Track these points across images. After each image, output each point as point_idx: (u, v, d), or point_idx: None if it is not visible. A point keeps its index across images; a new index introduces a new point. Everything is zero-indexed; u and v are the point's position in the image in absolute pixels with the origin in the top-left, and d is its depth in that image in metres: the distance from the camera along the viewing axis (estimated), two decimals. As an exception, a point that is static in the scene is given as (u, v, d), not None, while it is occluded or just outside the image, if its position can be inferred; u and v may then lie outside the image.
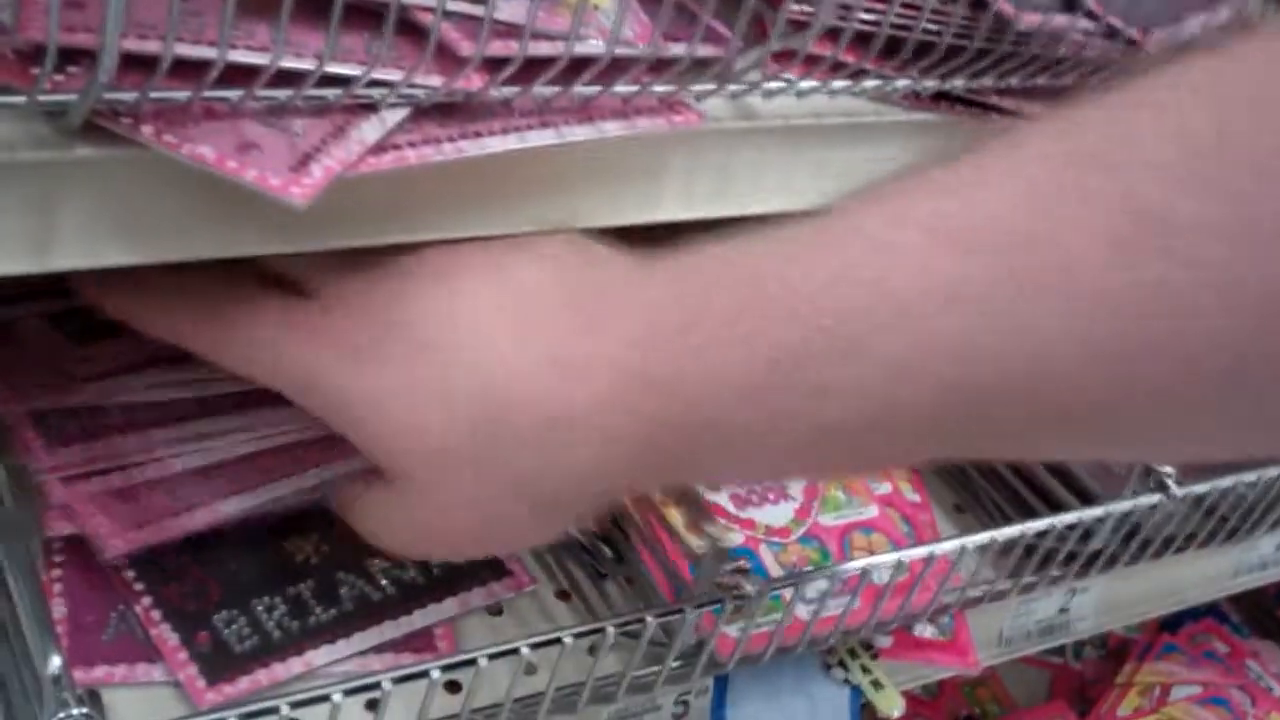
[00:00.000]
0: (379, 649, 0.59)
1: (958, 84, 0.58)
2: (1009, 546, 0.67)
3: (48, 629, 0.45)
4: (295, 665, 0.57)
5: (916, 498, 0.78)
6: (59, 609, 0.55)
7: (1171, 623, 1.32)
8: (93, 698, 0.46)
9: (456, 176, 0.49)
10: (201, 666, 0.56)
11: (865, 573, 0.60)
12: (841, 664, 0.71)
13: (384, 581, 0.61)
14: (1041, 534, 0.67)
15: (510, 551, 0.56)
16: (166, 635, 0.56)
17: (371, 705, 0.55)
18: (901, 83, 0.57)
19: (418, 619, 0.60)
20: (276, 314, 0.50)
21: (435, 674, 0.49)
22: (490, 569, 0.63)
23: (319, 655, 0.57)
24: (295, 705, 0.47)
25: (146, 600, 0.57)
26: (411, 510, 0.50)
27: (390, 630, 0.60)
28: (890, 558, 0.60)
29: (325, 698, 0.47)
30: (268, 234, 0.47)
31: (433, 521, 0.50)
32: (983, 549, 0.65)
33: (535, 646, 0.51)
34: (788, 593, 0.60)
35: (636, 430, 0.46)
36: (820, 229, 0.47)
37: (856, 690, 0.70)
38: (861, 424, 0.45)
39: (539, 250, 0.52)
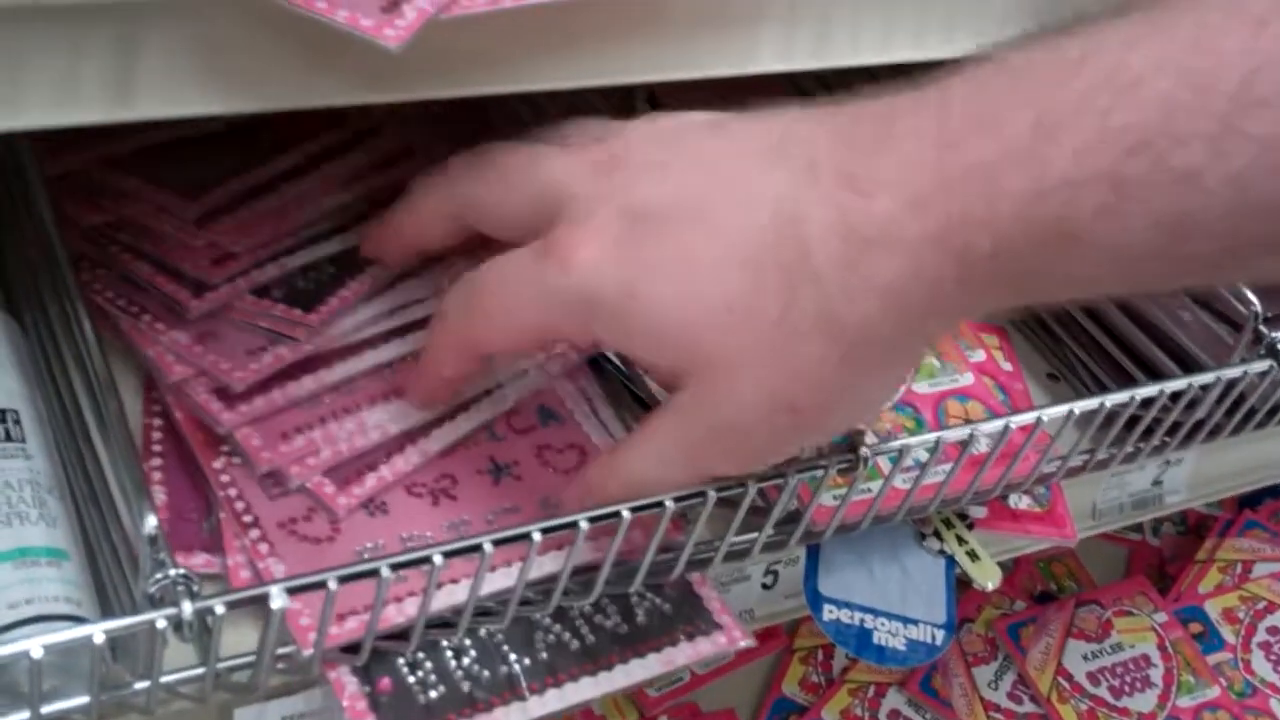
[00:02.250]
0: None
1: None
2: (1112, 415, 0.64)
3: (141, 489, 0.44)
4: None
5: (1009, 366, 0.75)
6: (158, 495, 0.53)
7: (1252, 499, 1.30)
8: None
9: (547, 23, 0.47)
10: (380, 718, 0.51)
11: (968, 440, 0.58)
12: (936, 534, 0.69)
13: (584, 628, 0.56)
14: (1148, 401, 0.64)
15: (831, 431, 0.52)
16: (345, 680, 0.51)
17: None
18: (1012, -79, 0.54)
19: (619, 676, 0.55)
20: (528, 261, 0.48)
21: (536, 536, 0.48)
22: (700, 618, 0.57)
23: (509, 713, 0.52)
24: (396, 567, 0.45)
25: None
26: (707, 413, 0.48)
27: (589, 689, 0.54)
28: (996, 424, 0.58)
29: (427, 559, 0.45)
30: (355, 82, 0.46)
31: (737, 414, 0.47)
32: (1089, 416, 0.63)
33: (636, 510, 0.50)
34: (884, 460, 0.58)
35: (950, 236, 0.44)
36: (1150, 18, 0.43)
37: (951, 561, 0.69)
38: (1218, 215, 0.42)
39: (742, 116, 0.50)
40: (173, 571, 0.43)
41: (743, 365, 0.46)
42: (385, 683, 0.51)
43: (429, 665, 0.52)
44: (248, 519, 0.52)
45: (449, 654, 0.53)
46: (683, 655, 0.56)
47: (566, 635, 0.55)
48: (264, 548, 0.51)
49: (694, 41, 0.51)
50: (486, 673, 0.53)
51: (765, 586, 0.67)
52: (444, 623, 0.51)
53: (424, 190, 0.55)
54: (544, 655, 0.54)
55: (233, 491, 0.53)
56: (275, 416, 0.55)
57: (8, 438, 0.51)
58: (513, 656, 0.53)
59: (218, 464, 0.54)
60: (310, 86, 0.45)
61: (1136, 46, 0.43)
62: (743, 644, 0.56)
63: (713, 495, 0.51)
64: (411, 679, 0.52)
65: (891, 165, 0.45)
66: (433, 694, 0.51)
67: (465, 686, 0.52)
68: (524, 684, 0.53)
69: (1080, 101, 0.42)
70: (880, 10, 0.54)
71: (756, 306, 0.45)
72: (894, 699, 1.11)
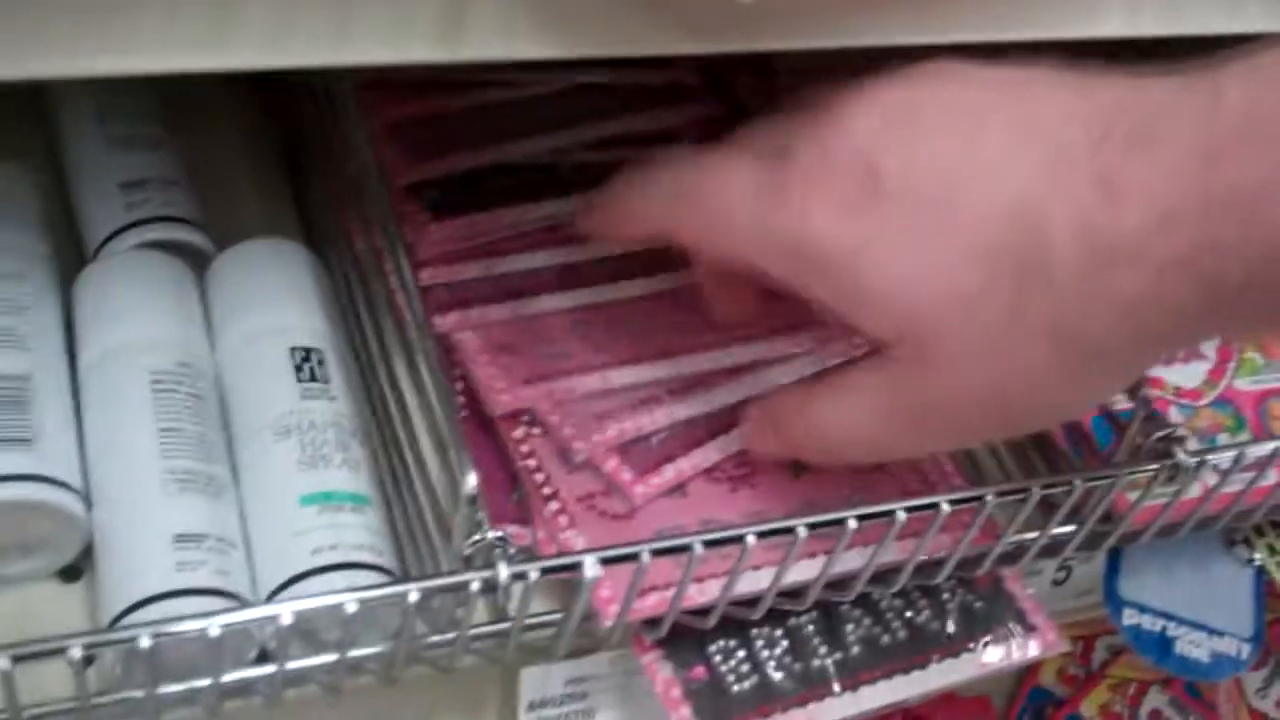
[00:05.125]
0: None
1: None
2: None
3: (462, 445, 0.43)
4: (796, 717, 0.50)
5: (1334, 365, 0.70)
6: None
7: None
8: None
9: (883, -22, 0.44)
10: (696, 707, 0.49)
11: (1307, 447, 0.53)
12: (1246, 542, 0.64)
13: (895, 623, 0.53)
14: None
15: (1034, 428, 0.50)
16: (659, 665, 0.50)
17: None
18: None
19: (932, 677, 0.52)
20: (753, 184, 0.46)
21: (852, 523, 0.45)
22: (1014, 619, 0.54)
23: (823, 710, 0.50)
24: (709, 544, 0.44)
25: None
26: (913, 389, 0.45)
27: (901, 688, 0.52)
28: (1337, 432, 0.54)
29: (740, 539, 0.44)
30: (693, 31, 0.43)
31: (944, 398, 0.45)
32: None
33: (955, 503, 0.47)
34: (1215, 463, 0.54)
35: (1201, 259, 0.40)
36: None
37: (1261, 571, 0.64)
38: None
39: (999, 70, 0.46)
40: (490, 534, 0.41)
41: (962, 356, 0.44)
42: (699, 670, 0.49)
43: (741, 654, 0.50)
44: (547, 491, 0.51)
45: (760, 644, 0.51)
46: (996, 657, 0.53)
47: (877, 630, 0.53)
48: (563, 520, 0.50)
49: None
50: (798, 665, 0.51)
51: (1056, 583, 0.64)
52: (746, 602, 0.49)
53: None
54: (855, 650, 0.52)
55: (532, 463, 0.51)
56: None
57: (313, 378, 0.50)
58: (823, 650, 0.51)
59: (518, 433, 0.52)
60: (647, 35, 0.43)
61: None
62: (1058, 649, 0.53)
63: (1037, 493, 0.48)
64: (724, 668, 0.50)
65: (1149, 171, 0.41)
66: (745, 684, 0.50)
67: (777, 677, 0.50)
68: (835, 680, 0.50)
69: None
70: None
71: (986, 302, 0.43)
72: (1155, 698, 1.06)
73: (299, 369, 0.50)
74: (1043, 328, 0.42)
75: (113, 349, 0.50)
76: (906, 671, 0.52)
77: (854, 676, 0.51)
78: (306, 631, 0.45)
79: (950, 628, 0.54)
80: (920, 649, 0.53)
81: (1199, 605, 0.63)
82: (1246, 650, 0.62)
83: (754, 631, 0.51)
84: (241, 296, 0.53)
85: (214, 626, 0.38)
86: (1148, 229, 0.40)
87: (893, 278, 0.44)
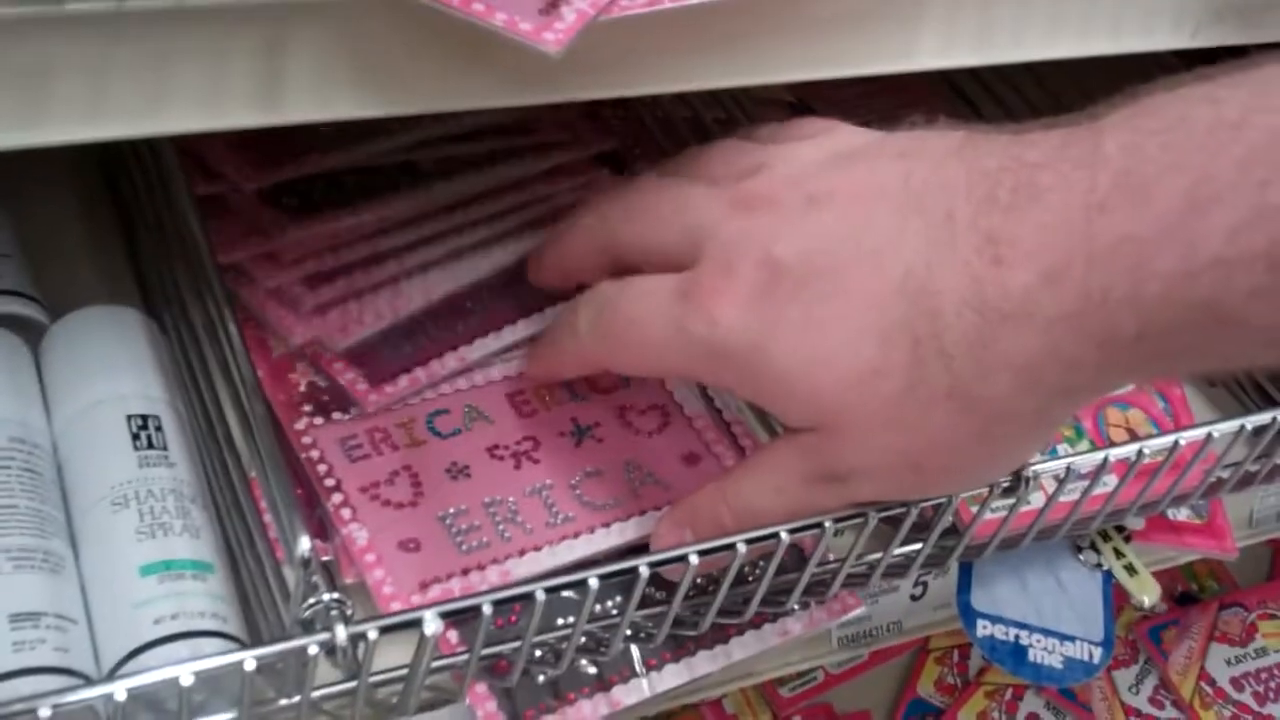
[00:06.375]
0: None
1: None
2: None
3: (292, 507, 0.43)
4: (601, 706, 0.52)
5: (1168, 370, 0.72)
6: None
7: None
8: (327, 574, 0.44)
9: (702, 23, 0.45)
10: (500, 702, 0.50)
11: (1136, 457, 0.55)
12: (1093, 547, 0.66)
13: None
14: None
15: (956, 490, 0.51)
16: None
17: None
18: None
19: (735, 649, 0.54)
20: (667, 296, 0.48)
21: (693, 559, 0.46)
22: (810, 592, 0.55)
23: (625, 695, 0.52)
24: (498, 603, 0.44)
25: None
26: (830, 459, 0.47)
27: (703, 664, 0.53)
28: (1165, 440, 0.55)
29: (530, 596, 0.44)
30: (507, 84, 0.44)
31: (860, 464, 0.47)
32: (1260, 430, 0.59)
33: (794, 531, 0.48)
34: (1050, 474, 0.55)
35: (1092, 312, 0.41)
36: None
37: (1108, 575, 0.66)
38: None
39: (887, 147, 0.48)
40: (326, 596, 0.42)
41: (870, 429, 0.46)
42: (502, 665, 0.50)
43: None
44: (330, 483, 0.52)
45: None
46: (798, 625, 0.55)
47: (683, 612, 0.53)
48: (346, 512, 0.51)
49: (850, 38, 0.49)
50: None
51: (914, 598, 0.65)
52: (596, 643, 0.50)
53: (576, 228, 0.55)
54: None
55: (315, 454, 0.52)
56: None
57: (150, 445, 0.50)
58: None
59: (300, 425, 0.53)
60: (464, 89, 0.43)
61: None
62: (856, 611, 0.56)
63: (874, 517, 0.49)
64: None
65: (1033, 228, 0.42)
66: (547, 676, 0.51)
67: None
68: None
69: (1237, 172, 0.39)
70: (1045, 4, 0.52)
71: (885, 376, 0.44)
72: (1031, 702, 1.08)
73: (136, 437, 0.50)
74: (943, 394, 0.44)
75: (-57, 428, 0.49)
76: (710, 647, 0.53)
77: (658, 659, 0.53)
78: (153, 702, 0.44)
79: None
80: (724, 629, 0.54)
81: (1050, 612, 0.64)
82: (1098, 654, 0.64)
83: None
84: (76, 367, 0.52)
85: (45, 707, 0.38)
86: (1034, 286, 0.41)
87: (796, 369, 0.45)
